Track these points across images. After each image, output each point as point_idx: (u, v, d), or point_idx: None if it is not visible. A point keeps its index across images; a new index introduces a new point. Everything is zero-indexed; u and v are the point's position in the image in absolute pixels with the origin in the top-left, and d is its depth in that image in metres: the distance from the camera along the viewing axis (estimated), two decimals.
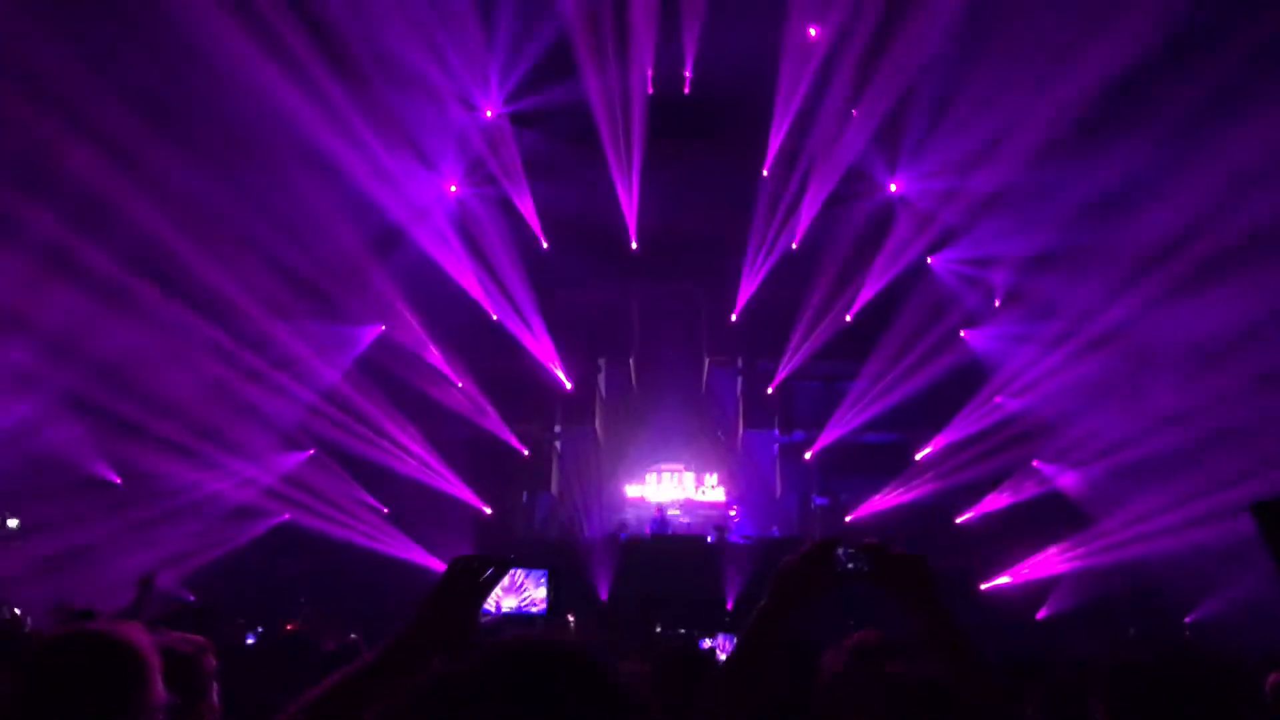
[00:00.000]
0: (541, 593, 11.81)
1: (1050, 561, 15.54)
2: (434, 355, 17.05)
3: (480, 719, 1.02)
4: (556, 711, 1.03)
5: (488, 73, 16.01)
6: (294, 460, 16.04)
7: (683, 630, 12.46)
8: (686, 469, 19.91)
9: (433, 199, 17.19)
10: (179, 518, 14.35)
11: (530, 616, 11.48)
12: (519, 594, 11.68)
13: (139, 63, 12.46)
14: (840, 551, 2.10)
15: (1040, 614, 15.20)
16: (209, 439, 14.65)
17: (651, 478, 19.88)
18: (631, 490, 19.59)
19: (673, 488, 19.52)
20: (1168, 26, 11.75)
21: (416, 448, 16.69)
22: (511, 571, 10.99)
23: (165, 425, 14.11)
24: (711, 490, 19.48)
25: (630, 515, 18.24)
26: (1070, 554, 15.37)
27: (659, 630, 12.56)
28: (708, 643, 11.94)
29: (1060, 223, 14.78)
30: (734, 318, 18.20)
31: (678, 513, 18.52)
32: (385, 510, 16.27)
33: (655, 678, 3.16)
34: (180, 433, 14.24)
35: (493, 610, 10.74)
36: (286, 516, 15.64)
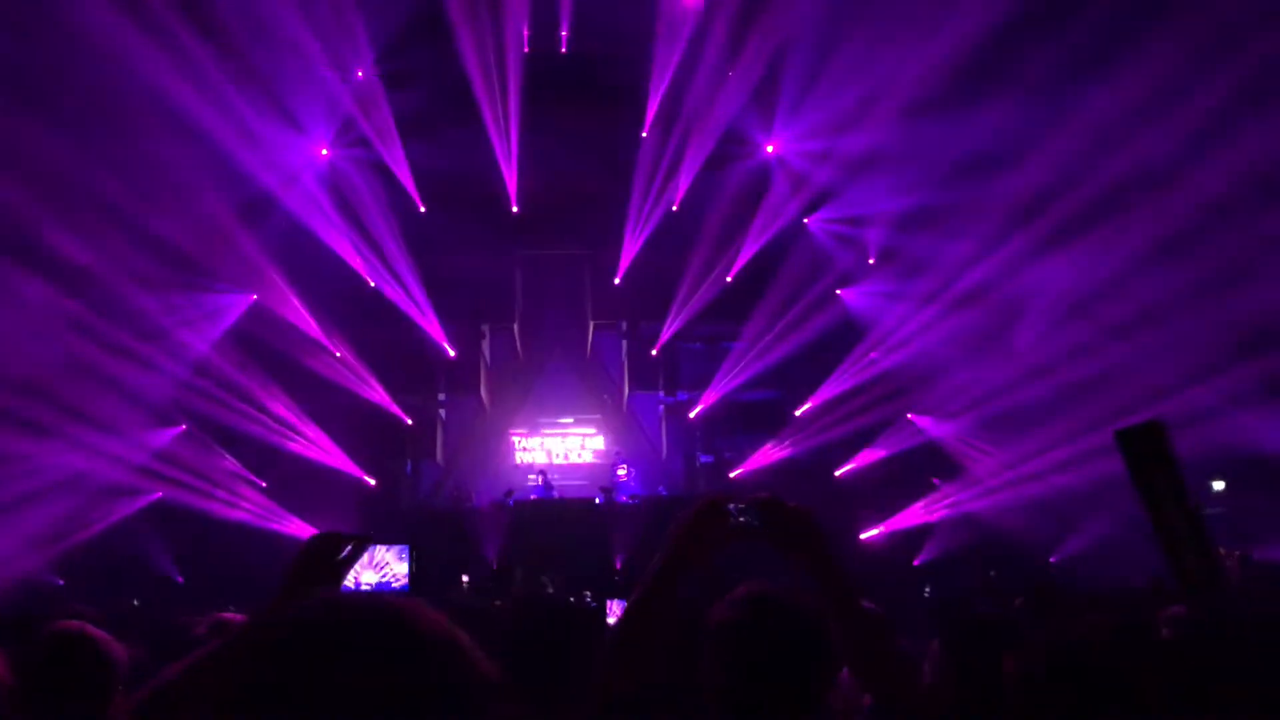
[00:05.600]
0: (404, 568, 11.72)
1: (925, 510, 16.16)
2: (310, 324, 16.57)
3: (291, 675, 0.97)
4: (362, 665, 0.97)
5: (357, 31, 15.52)
6: (165, 436, 15.45)
7: (588, 595, 12.54)
8: (569, 432, 20.00)
9: (303, 163, 16.66)
10: (43, 500, 13.67)
11: (392, 592, 11.42)
12: (379, 570, 11.57)
13: None
14: (731, 507, 2.13)
15: (916, 560, 15.82)
16: (72, 417, 13.95)
17: (536, 441, 19.89)
18: (520, 456, 19.58)
19: (557, 449, 19.68)
20: None
21: (294, 420, 16.28)
22: (371, 548, 10.94)
23: (24, 404, 13.38)
24: (578, 452, 19.68)
25: (518, 481, 18.19)
26: (943, 502, 16.01)
27: (550, 592, 12.61)
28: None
29: (931, 181, 15.21)
30: (617, 281, 18.22)
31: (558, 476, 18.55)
32: (264, 485, 15.85)
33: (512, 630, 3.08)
34: (40, 411, 13.52)
35: (352, 586, 10.71)
36: (159, 495, 15.09)
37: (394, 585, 11.47)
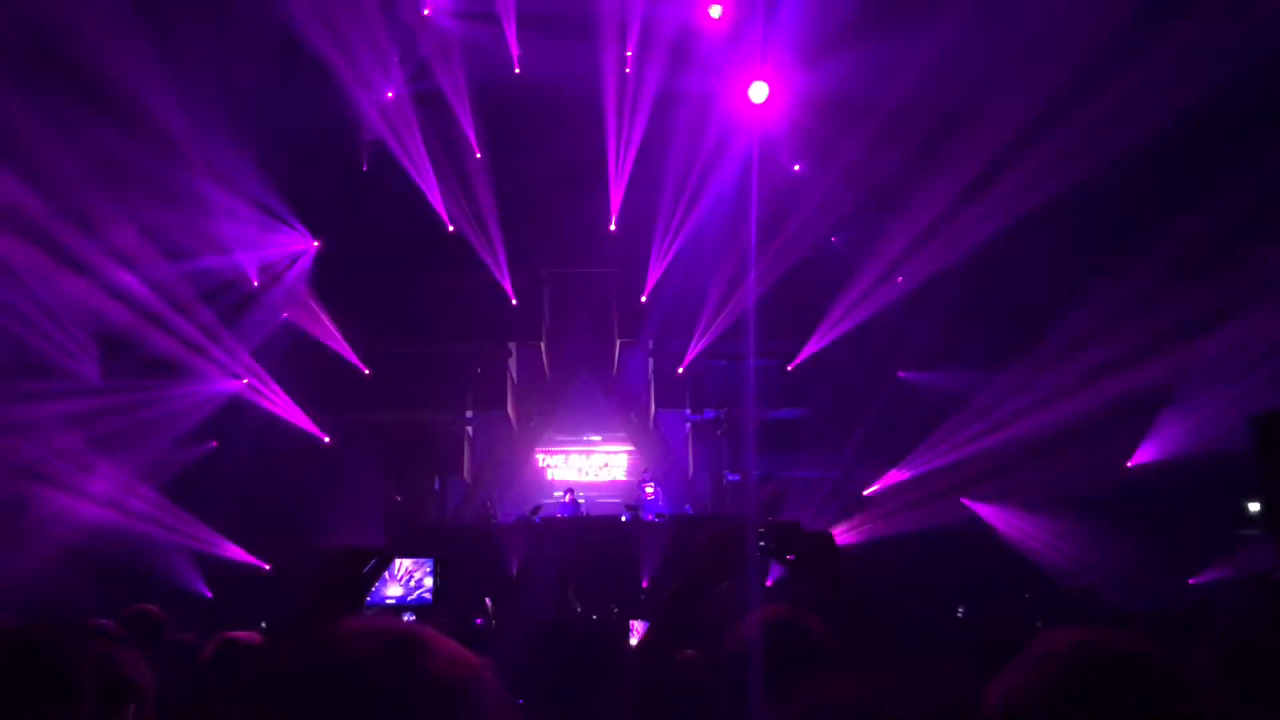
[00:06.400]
0: (429, 580, 11.82)
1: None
2: (339, 341, 16.70)
3: None
4: None
5: (388, 54, 15.72)
6: (196, 452, 15.57)
7: (616, 609, 12.53)
8: (596, 449, 20.03)
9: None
10: (74, 514, 13.78)
11: (420, 605, 11.50)
12: (403, 583, 11.65)
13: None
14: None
15: (947, 579, 15.60)
16: (106, 428, 14.07)
17: (562, 458, 19.92)
18: (547, 473, 19.64)
19: (583, 466, 19.73)
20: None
21: (323, 435, 16.39)
22: (394, 562, 11.00)
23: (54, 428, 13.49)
24: (604, 470, 19.68)
25: (544, 498, 18.22)
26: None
27: (578, 610, 12.59)
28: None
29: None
30: (644, 299, 18.22)
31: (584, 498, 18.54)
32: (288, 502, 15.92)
33: None
34: (69, 436, 13.64)
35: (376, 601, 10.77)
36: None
37: (416, 596, 11.54)
